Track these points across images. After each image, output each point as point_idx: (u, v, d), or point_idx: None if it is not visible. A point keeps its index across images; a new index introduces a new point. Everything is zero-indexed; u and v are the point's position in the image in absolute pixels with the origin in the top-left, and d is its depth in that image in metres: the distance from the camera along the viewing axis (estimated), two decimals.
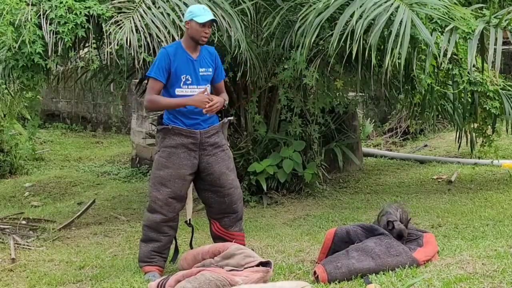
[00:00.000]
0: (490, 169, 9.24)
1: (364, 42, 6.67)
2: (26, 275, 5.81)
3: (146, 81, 9.01)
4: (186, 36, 5.51)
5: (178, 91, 5.45)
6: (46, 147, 14.37)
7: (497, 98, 7.96)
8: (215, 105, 5.37)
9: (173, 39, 6.65)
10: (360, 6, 6.62)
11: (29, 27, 6.68)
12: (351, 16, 6.59)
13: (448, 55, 7.00)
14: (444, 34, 7.04)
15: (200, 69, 5.49)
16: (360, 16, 6.54)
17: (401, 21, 6.50)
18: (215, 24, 6.02)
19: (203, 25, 5.36)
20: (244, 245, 5.66)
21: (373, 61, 6.60)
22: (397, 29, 6.48)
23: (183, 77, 5.43)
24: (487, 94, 7.93)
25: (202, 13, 5.37)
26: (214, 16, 5.43)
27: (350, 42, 6.60)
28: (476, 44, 7.09)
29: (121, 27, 6.69)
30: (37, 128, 7.92)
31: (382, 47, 6.89)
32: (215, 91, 5.70)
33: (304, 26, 6.95)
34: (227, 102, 5.76)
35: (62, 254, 6.40)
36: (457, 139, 8.72)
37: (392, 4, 6.66)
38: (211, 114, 5.45)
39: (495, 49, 6.98)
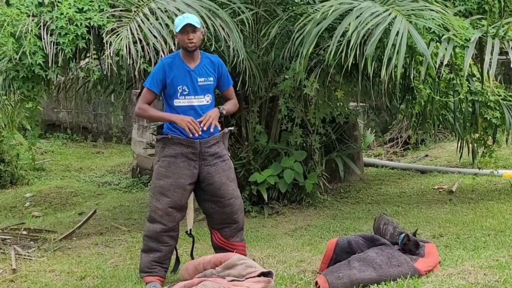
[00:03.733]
0: (491, 179, 9.23)
1: (363, 52, 6.67)
2: (27, 286, 5.80)
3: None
4: (180, 48, 5.56)
5: (176, 102, 5.46)
6: (47, 157, 14.37)
7: (498, 108, 7.96)
8: (205, 121, 5.37)
9: (171, 49, 6.65)
10: (358, 16, 6.63)
11: (30, 38, 6.70)
12: (349, 25, 6.60)
13: (444, 64, 7.01)
14: (441, 43, 7.06)
15: (199, 79, 5.48)
16: (357, 26, 6.54)
17: (397, 31, 6.50)
18: (205, 30, 6.00)
19: (183, 32, 5.39)
20: (245, 255, 5.65)
21: (369, 71, 6.59)
22: (394, 39, 6.48)
23: (180, 88, 5.44)
24: (488, 104, 7.93)
25: (180, 22, 5.42)
26: (194, 20, 5.43)
27: (348, 51, 6.60)
28: (472, 52, 7.13)
29: (118, 35, 6.69)
30: (38, 138, 7.93)
31: (382, 57, 6.90)
32: (223, 99, 5.70)
33: (303, 36, 6.96)
34: (237, 107, 5.77)
35: (63, 265, 6.38)
36: (458, 149, 8.72)
37: (389, 14, 6.67)
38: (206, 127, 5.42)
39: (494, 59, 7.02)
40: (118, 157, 14.55)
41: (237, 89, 7.55)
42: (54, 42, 6.79)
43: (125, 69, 7.19)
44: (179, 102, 5.45)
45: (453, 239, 6.42)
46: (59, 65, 6.93)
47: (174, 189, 5.45)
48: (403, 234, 5.47)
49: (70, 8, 6.85)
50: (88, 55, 7.38)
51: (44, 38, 6.75)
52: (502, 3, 8.60)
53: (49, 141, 16.01)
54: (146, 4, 7.00)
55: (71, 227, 7.99)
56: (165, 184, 5.45)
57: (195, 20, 5.44)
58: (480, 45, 7.38)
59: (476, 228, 6.79)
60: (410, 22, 6.64)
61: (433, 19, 6.96)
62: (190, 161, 5.46)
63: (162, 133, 5.56)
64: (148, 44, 6.74)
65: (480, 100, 7.85)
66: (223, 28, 7.00)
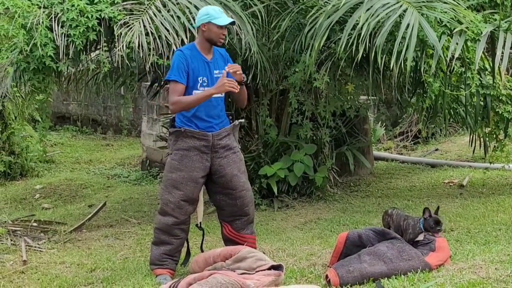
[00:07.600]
0: (502, 174, 9.20)
1: (374, 44, 6.64)
2: (37, 277, 5.81)
3: (156, 85, 9.06)
4: (201, 38, 5.47)
5: (195, 93, 5.42)
6: (57, 150, 14.40)
7: (509, 102, 7.92)
8: (237, 72, 5.34)
9: (182, 42, 6.64)
10: (369, 9, 6.59)
11: (41, 30, 6.70)
12: (360, 18, 6.56)
13: (455, 57, 6.97)
14: (453, 37, 7.02)
15: (215, 71, 5.48)
16: (368, 18, 6.51)
17: (408, 24, 6.46)
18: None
19: (222, 27, 5.37)
20: (255, 248, 5.65)
21: (379, 63, 6.55)
22: (404, 32, 6.45)
23: (200, 79, 5.41)
24: (500, 98, 7.89)
25: (220, 15, 5.38)
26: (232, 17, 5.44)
27: (359, 44, 6.57)
28: (484, 45, 7.09)
29: (131, 28, 6.68)
30: (48, 130, 7.93)
31: (393, 50, 6.87)
32: (231, 94, 5.67)
33: (314, 28, 6.93)
34: (246, 100, 5.72)
35: (73, 257, 6.40)
36: (470, 143, 8.69)
37: (400, 6, 6.63)
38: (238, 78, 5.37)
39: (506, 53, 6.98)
40: (127, 150, 14.58)
41: (248, 82, 7.54)
42: (65, 34, 6.79)
43: (136, 61, 7.18)
44: (197, 93, 5.41)
45: (464, 233, 6.39)
46: (69, 57, 6.95)
47: (186, 182, 5.44)
48: (425, 211, 5.45)
49: (81, 0, 6.84)
50: (98, 47, 7.38)
51: (55, 30, 6.75)
52: None
53: (59, 133, 16.04)
54: None
55: (81, 219, 8.02)
56: (177, 177, 5.44)
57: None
58: (492, 39, 7.34)
59: (487, 222, 6.76)
60: (422, 14, 6.60)
61: (444, 12, 6.91)
62: (203, 154, 5.45)
63: (175, 126, 5.54)
64: (160, 37, 6.73)
65: (491, 94, 7.82)
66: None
